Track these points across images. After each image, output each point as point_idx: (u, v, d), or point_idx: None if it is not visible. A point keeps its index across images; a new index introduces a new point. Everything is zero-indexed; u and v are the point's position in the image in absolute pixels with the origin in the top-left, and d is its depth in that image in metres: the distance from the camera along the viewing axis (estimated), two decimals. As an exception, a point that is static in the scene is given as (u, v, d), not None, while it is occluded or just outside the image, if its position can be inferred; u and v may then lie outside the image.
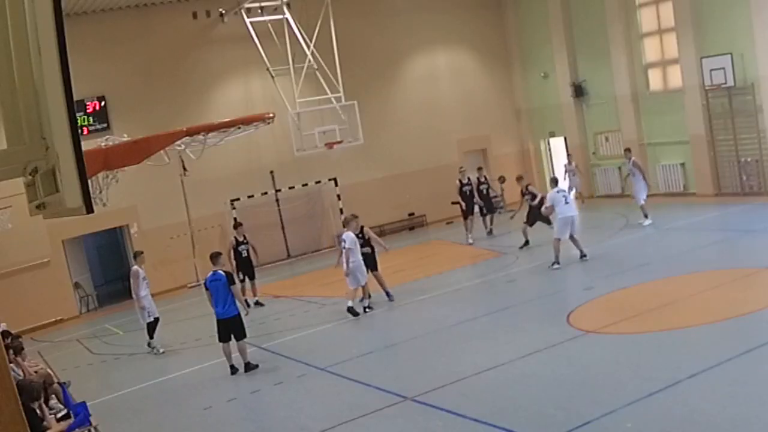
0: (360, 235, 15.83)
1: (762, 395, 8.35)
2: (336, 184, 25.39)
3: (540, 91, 28.18)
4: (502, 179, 26.18)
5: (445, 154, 27.52)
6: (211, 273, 13.17)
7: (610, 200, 25.14)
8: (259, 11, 23.62)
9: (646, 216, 19.80)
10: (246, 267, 18.29)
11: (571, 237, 16.82)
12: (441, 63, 27.92)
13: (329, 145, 22.62)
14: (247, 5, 23.27)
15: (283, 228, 25.21)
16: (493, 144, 28.69)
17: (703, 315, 11.77)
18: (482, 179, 22.70)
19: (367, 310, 15.63)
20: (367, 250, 15.92)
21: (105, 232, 23.78)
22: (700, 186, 22.96)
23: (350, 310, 15.28)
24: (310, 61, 23.34)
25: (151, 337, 15.85)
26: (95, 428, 9.91)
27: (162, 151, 16.10)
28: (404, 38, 26.93)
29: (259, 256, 19.37)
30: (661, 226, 19.57)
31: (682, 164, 23.68)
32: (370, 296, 15.87)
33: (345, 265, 15.21)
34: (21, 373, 11.63)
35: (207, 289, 13.24)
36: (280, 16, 23.19)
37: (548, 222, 18.46)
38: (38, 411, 9.25)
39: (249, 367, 13.06)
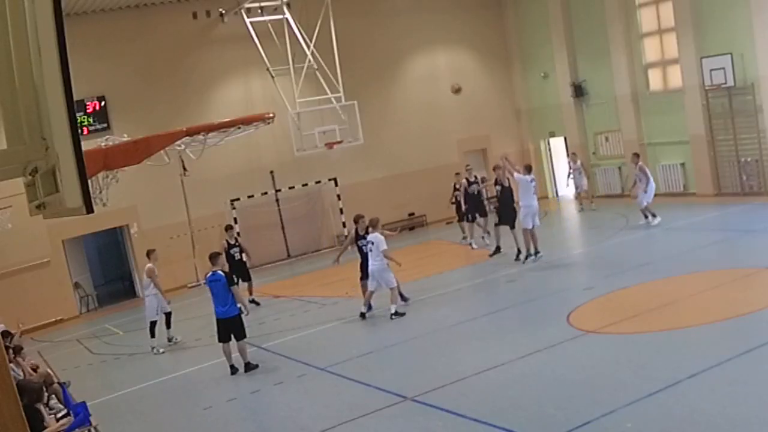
0: (364, 236, 15.65)
1: (762, 395, 8.35)
2: (336, 184, 25.39)
3: (540, 91, 28.18)
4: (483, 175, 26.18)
5: (445, 154, 27.52)
6: (210, 273, 13.18)
7: (610, 200, 25.13)
8: (259, 11, 23.62)
9: (653, 215, 19.55)
10: (239, 270, 18.16)
11: (531, 231, 16.96)
12: (441, 63, 27.92)
13: (329, 145, 22.62)
14: (247, 5, 23.27)
15: (283, 228, 25.22)
16: (493, 144, 28.67)
17: (703, 315, 11.77)
18: (472, 179, 21.36)
19: (366, 315, 15.50)
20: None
21: (105, 232, 23.79)
22: (700, 186, 22.96)
23: (396, 313, 15.00)
24: (310, 61, 23.35)
25: (168, 327, 16.23)
26: (95, 428, 9.90)
27: (162, 151, 16.08)
28: (404, 38, 26.93)
29: (253, 258, 19.36)
30: (661, 226, 19.56)
31: (682, 164, 23.68)
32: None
33: (371, 265, 14.96)
34: (21, 373, 11.63)
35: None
36: (280, 16, 23.20)
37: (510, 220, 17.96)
38: (39, 411, 9.25)
39: (249, 367, 13.05)
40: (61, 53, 2.87)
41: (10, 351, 11.94)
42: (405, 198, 26.64)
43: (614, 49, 24.68)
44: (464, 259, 20.20)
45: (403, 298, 15.66)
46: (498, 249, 18.89)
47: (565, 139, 27.69)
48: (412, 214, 27.09)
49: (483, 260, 19.23)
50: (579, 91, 26.29)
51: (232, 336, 13.13)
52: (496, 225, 19.09)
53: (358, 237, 15.64)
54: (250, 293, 18.49)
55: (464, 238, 21.43)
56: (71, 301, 22.17)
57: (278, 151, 24.47)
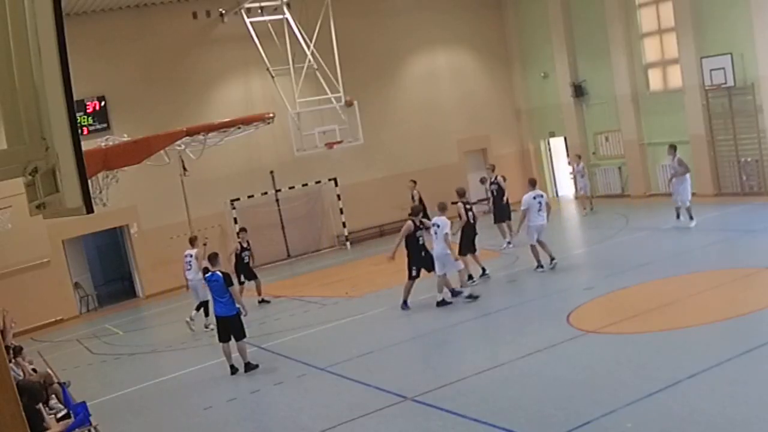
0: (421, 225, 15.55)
1: (762, 395, 8.35)
2: (336, 184, 25.39)
3: (540, 91, 28.18)
4: (501, 178, 26.14)
5: (445, 154, 27.53)
6: (209, 273, 13.20)
7: (610, 200, 25.13)
8: (259, 11, 23.62)
9: (691, 217, 18.56)
10: (246, 271, 18.35)
11: (539, 241, 16.48)
12: (441, 63, 27.91)
13: (329, 145, 22.62)
14: (247, 5, 23.27)
15: (283, 228, 25.21)
16: (493, 144, 28.68)
17: (703, 315, 11.78)
18: (492, 179, 21.05)
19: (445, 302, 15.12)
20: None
21: (105, 232, 23.78)
22: (700, 186, 22.91)
23: (470, 295, 15.03)
24: (310, 61, 23.34)
25: (206, 315, 16.32)
26: (95, 428, 9.89)
27: (162, 151, 16.07)
28: (404, 38, 26.92)
29: (257, 257, 19.50)
30: (661, 226, 19.56)
31: (682, 164, 23.67)
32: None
33: (436, 249, 14.95)
34: (21, 373, 11.63)
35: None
36: (280, 16, 23.19)
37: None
38: (39, 411, 9.25)
39: (249, 367, 13.06)
40: (61, 53, 2.87)
41: (10, 351, 11.93)
42: (405, 198, 26.60)
43: (614, 49, 24.68)
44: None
45: (470, 277, 15.59)
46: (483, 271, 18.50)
47: (565, 139, 27.69)
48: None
49: (483, 260, 19.21)
50: (579, 91, 26.28)
51: (232, 336, 13.13)
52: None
53: (417, 228, 15.29)
54: (260, 293, 18.54)
55: (509, 243, 20.10)
56: (71, 301, 22.16)
57: (278, 151, 24.47)
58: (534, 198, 16.59)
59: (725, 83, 21.02)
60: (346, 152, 23.92)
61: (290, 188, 24.99)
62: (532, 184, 17.35)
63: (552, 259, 16.50)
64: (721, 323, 11.19)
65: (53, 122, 2.92)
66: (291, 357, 13.59)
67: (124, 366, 15.47)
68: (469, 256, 16.43)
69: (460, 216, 16.57)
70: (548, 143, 28.82)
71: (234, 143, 19.90)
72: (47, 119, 2.95)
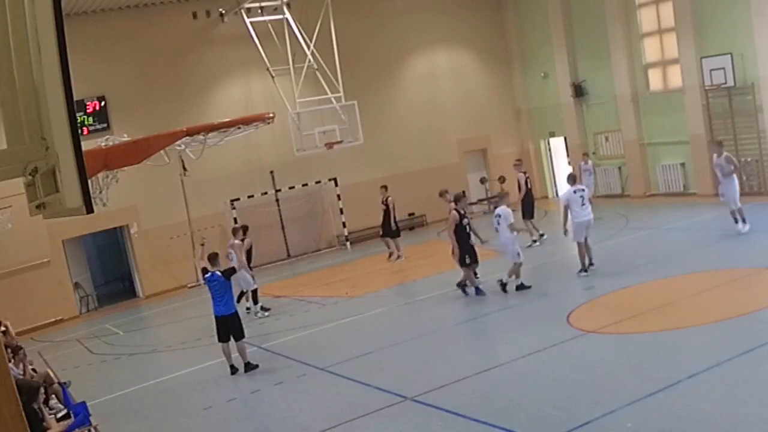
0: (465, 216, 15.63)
1: (762, 395, 8.35)
2: (336, 184, 25.39)
3: (540, 91, 28.18)
4: (501, 179, 26.14)
5: (445, 154, 27.53)
6: (209, 274, 13.18)
7: (610, 200, 25.13)
8: (259, 11, 23.61)
9: (744, 220, 16.86)
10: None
11: (585, 241, 15.83)
12: (441, 63, 27.91)
13: (329, 145, 22.61)
14: (247, 5, 23.26)
15: (283, 228, 25.21)
16: (493, 144, 28.69)
17: (703, 315, 11.78)
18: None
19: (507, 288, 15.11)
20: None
21: (105, 232, 23.78)
22: (700, 186, 22.96)
23: (520, 286, 15.09)
24: (310, 61, 23.34)
25: (255, 303, 17.11)
26: (95, 428, 9.89)
27: (162, 151, 16.10)
28: (404, 38, 26.93)
29: (256, 257, 19.57)
30: (660, 226, 19.56)
31: (682, 164, 23.69)
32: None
33: (501, 238, 15.06)
34: (21, 372, 11.63)
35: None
36: (280, 16, 23.19)
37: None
38: (39, 411, 9.25)
39: (249, 367, 13.06)
40: (61, 53, 2.88)
41: (9, 350, 11.93)
42: (405, 198, 26.62)
43: (614, 49, 24.68)
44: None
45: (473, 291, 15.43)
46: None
47: (565, 139, 27.70)
48: (412, 214, 27.07)
49: (483, 260, 19.22)
50: (579, 91, 26.29)
51: (231, 336, 13.13)
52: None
53: (462, 217, 15.26)
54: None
55: (534, 240, 19.93)
56: (71, 301, 22.16)
57: (278, 151, 24.47)
58: (575, 192, 15.92)
59: (725, 83, 21.03)
60: (346, 152, 23.92)
61: (290, 188, 25.00)
62: (572, 179, 16.51)
63: (591, 264, 15.78)
64: (721, 323, 11.18)
65: (53, 122, 2.92)
66: (291, 357, 13.59)
67: (124, 366, 15.46)
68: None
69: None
70: (548, 143, 28.82)
71: (234, 143, 19.92)
72: (47, 119, 2.96)
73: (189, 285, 23.00)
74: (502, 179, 26.19)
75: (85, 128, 21.58)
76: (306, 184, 25.17)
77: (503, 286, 15.12)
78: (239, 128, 16.87)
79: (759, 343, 9.84)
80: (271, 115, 17.65)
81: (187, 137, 15.73)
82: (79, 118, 20.65)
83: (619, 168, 25.75)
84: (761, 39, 20.38)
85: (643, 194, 24.68)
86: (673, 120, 23.42)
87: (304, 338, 14.89)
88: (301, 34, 23.13)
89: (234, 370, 13.04)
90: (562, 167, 28.44)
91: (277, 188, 24.94)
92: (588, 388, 9.52)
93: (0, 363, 4.35)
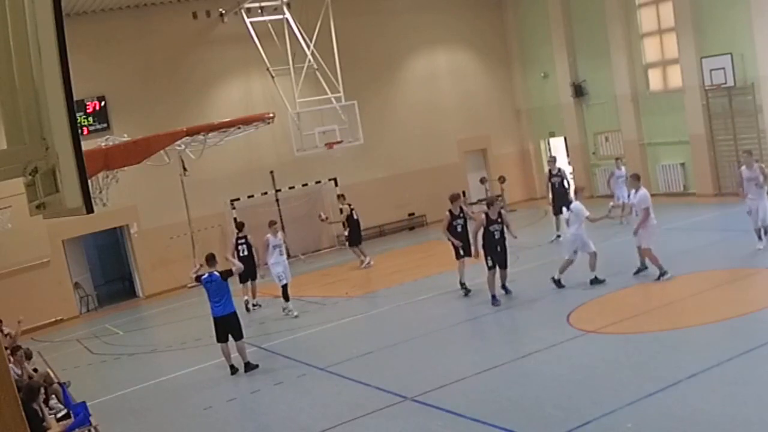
0: (461, 214, 15.94)
1: (762, 395, 8.35)
2: (336, 184, 25.38)
3: (540, 91, 28.18)
4: (501, 179, 26.20)
5: (445, 154, 27.53)
6: (206, 274, 13.17)
7: (609, 200, 25.04)
8: (259, 11, 23.61)
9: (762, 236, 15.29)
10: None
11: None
12: (441, 63, 27.91)
13: (329, 145, 22.62)
14: (247, 5, 23.26)
15: (283, 228, 25.12)
16: (493, 144, 28.68)
17: (703, 315, 11.78)
18: (555, 171, 20.68)
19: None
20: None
21: (105, 232, 23.77)
22: (700, 186, 22.96)
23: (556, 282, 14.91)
24: (310, 61, 23.34)
25: (286, 300, 16.73)
26: (95, 428, 9.90)
27: (162, 151, 16.11)
28: (404, 38, 26.92)
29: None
30: (661, 226, 19.49)
31: (682, 164, 23.69)
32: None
33: (572, 234, 14.91)
34: (20, 372, 11.63)
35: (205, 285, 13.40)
36: (280, 16, 23.18)
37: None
38: (39, 411, 9.26)
39: (249, 367, 13.05)
40: (61, 53, 2.88)
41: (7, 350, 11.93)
42: (405, 198, 26.63)
43: (614, 49, 24.68)
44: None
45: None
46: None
47: (565, 139, 27.70)
48: (412, 214, 27.07)
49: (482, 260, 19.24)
50: (579, 91, 26.29)
51: (231, 336, 13.12)
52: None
53: (489, 222, 14.85)
54: (254, 295, 18.41)
55: (558, 236, 19.66)
56: (71, 301, 22.15)
57: (278, 151, 24.46)
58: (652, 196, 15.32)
59: (725, 83, 21.03)
60: (346, 152, 23.91)
61: (290, 188, 24.99)
62: (638, 179, 15.19)
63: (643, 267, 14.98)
64: (721, 323, 11.18)
65: (53, 122, 2.92)
66: (291, 357, 13.59)
67: (124, 366, 15.46)
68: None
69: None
70: (548, 143, 28.81)
71: (234, 143, 19.92)
72: (47, 119, 2.95)
73: (189, 285, 22.91)
74: (501, 179, 26.26)
75: (85, 128, 21.58)
76: (306, 184, 25.16)
77: (595, 280, 14.53)
78: (239, 128, 16.87)
79: (759, 343, 9.84)
80: (271, 115, 17.64)
81: (187, 137, 15.74)
82: (79, 118, 20.71)
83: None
84: (761, 39, 20.38)
85: (643, 194, 24.65)
86: (673, 120, 23.42)
87: (304, 338, 14.88)
88: (301, 34, 23.13)
89: (234, 370, 13.03)
90: (561, 167, 28.42)
91: (277, 188, 24.93)
92: (588, 388, 9.52)
93: (0, 363, 4.34)
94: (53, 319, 21.33)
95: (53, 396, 11.30)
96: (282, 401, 11.41)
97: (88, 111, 22.07)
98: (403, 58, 27.18)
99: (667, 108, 23.59)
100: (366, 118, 23.82)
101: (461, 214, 16.08)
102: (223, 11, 23.93)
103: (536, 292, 15.14)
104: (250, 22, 23.35)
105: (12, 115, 3.24)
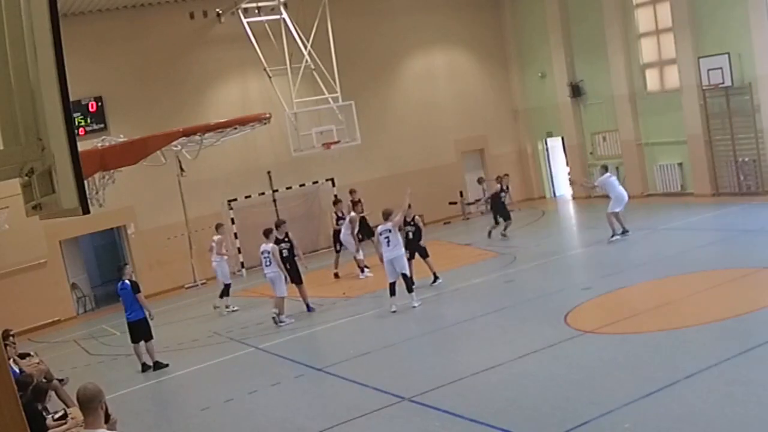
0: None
1: (760, 395, 8.34)
2: (333, 185, 25.36)
3: (537, 91, 28.18)
4: (499, 179, 26.15)
5: (443, 154, 27.53)
6: (120, 282, 14.14)
7: (608, 200, 25.06)
8: (256, 11, 23.59)
9: None
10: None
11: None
12: (438, 63, 27.91)
13: (326, 146, 22.61)
14: (244, 5, 23.24)
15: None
16: (491, 144, 28.69)
17: (702, 315, 11.77)
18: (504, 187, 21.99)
19: None
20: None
21: (102, 233, 23.76)
22: (697, 186, 22.97)
23: None
24: (307, 61, 23.34)
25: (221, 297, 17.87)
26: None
27: (159, 152, 16.07)
28: (402, 38, 26.91)
29: (250, 259, 19.72)
30: (658, 226, 19.56)
31: (680, 164, 23.70)
32: None
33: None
34: (18, 370, 11.61)
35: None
36: (277, 16, 23.18)
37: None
38: (44, 412, 9.24)
39: (158, 365, 14.07)
40: (57, 53, 2.86)
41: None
42: (403, 198, 26.55)
43: (612, 49, 24.69)
44: (462, 259, 20.20)
45: None
46: None
47: (563, 139, 27.71)
48: (410, 214, 27.02)
49: (482, 260, 19.25)
50: (576, 91, 26.29)
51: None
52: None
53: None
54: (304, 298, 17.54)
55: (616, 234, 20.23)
56: (68, 301, 22.12)
57: (275, 152, 24.44)
58: (609, 177, 17.76)
59: (723, 83, 21.03)
60: (343, 152, 23.90)
61: (287, 188, 24.97)
62: (606, 168, 18.28)
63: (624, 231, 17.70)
64: (720, 323, 11.18)
65: (49, 123, 2.91)
66: (288, 357, 13.58)
67: (121, 366, 15.43)
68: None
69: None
70: (546, 143, 28.82)
71: (231, 143, 19.90)
72: (43, 120, 2.94)
73: (186, 286, 22.98)
74: (499, 179, 26.21)
75: (81, 129, 21.54)
76: (303, 185, 25.15)
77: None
78: (236, 128, 16.84)
79: (757, 343, 9.84)
80: (268, 115, 17.62)
81: (184, 137, 15.71)
82: (75, 118, 20.69)
83: (617, 168, 25.69)
84: (759, 38, 20.39)
85: (640, 194, 24.66)
86: (670, 120, 23.43)
87: (301, 339, 14.87)
88: (298, 34, 23.12)
89: (146, 367, 14.19)
90: (560, 167, 28.48)
91: (275, 188, 24.91)
92: (586, 388, 9.51)
93: (0, 363, 4.32)
94: (50, 320, 21.30)
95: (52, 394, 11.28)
96: (279, 402, 11.40)
97: (90, 110, 22.05)
98: (400, 58, 27.17)
99: (665, 108, 23.60)
100: (363, 119, 23.82)
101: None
102: (220, 11, 23.92)
103: (534, 292, 15.14)
104: (247, 22, 23.32)
105: (8, 115, 3.22)
